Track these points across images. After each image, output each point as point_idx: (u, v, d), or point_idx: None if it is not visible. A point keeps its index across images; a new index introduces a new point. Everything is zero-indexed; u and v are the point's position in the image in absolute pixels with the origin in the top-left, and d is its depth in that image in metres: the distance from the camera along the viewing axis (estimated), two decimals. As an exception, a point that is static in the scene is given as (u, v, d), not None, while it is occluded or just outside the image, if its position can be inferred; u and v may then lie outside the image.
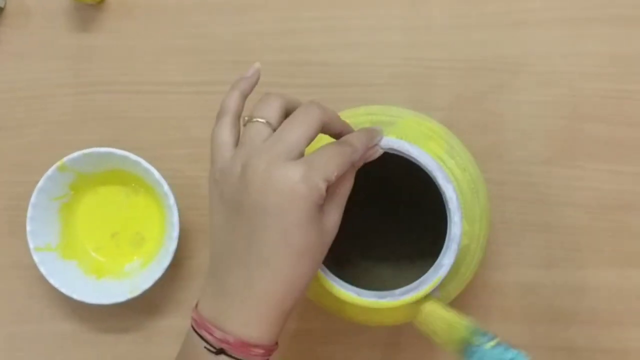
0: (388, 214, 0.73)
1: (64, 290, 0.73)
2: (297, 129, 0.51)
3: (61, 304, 0.78)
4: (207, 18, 0.77)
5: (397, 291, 0.56)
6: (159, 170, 0.72)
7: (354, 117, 0.62)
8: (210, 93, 0.76)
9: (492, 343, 0.54)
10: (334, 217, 0.52)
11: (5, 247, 0.78)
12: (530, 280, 0.73)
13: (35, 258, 0.73)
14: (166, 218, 0.73)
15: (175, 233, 0.72)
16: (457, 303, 0.73)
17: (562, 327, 0.73)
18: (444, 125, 0.64)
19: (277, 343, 0.53)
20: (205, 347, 0.51)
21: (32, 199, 0.73)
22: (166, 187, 0.72)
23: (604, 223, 0.72)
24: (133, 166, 0.73)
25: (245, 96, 0.57)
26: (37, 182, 0.73)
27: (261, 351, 0.51)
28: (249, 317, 0.51)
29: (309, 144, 0.52)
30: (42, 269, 0.73)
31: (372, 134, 0.56)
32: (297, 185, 0.49)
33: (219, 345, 0.51)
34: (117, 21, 0.78)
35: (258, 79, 0.59)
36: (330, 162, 0.51)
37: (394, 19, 0.74)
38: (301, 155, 0.51)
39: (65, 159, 0.73)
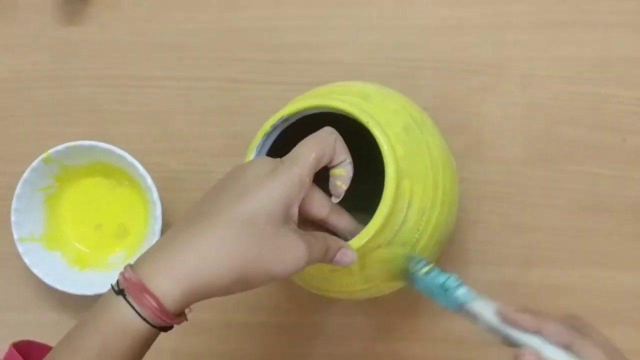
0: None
1: (47, 280, 0.74)
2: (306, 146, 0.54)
3: (44, 294, 0.78)
4: (190, 15, 0.78)
5: None
6: (142, 163, 0.73)
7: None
8: (193, 88, 0.77)
9: (425, 269, 0.58)
10: (296, 241, 0.51)
11: (-11, 237, 0.79)
12: (506, 279, 0.74)
13: (20, 248, 0.74)
14: (149, 211, 0.74)
15: (158, 226, 0.73)
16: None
17: (537, 325, 0.74)
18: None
19: (180, 317, 0.51)
20: (110, 285, 0.51)
21: (17, 190, 0.74)
22: (150, 180, 0.73)
23: (580, 224, 0.73)
24: (117, 159, 0.74)
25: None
26: (22, 173, 0.74)
27: (154, 304, 0.49)
28: (158, 266, 0.50)
29: (318, 159, 0.53)
30: (27, 259, 0.74)
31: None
32: (279, 166, 0.52)
33: (123, 284, 0.50)
34: (103, 15, 0.78)
35: None
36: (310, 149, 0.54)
37: (378, 19, 0.75)
38: (307, 164, 0.53)
39: (50, 151, 0.73)
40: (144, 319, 0.49)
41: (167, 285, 0.49)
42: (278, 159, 0.54)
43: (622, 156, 0.73)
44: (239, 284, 0.50)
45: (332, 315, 0.76)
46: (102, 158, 0.74)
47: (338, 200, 0.56)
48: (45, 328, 0.79)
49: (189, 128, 0.77)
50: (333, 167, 0.55)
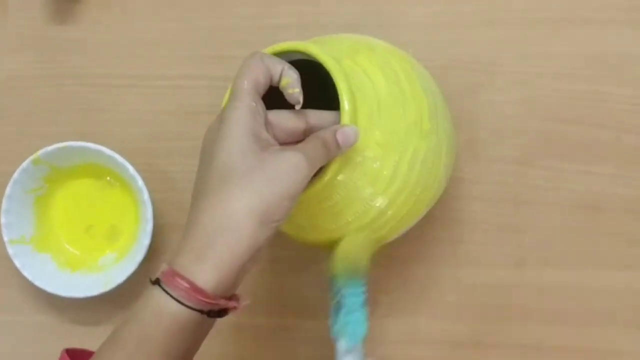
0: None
1: (37, 283, 0.74)
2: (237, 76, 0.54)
3: (35, 296, 0.78)
4: (182, 12, 0.77)
5: None
6: (133, 164, 0.72)
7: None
8: (185, 87, 0.77)
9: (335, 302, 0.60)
10: (282, 158, 0.51)
11: (-21, 239, 0.78)
12: (501, 279, 0.73)
13: (10, 251, 0.74)
14: (140, 212, 0.74)
15: (149, 227, 0.72)
16: (429, 301, 0.74)
17: (532, 326, 0.73)
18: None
19: (231, 300, 0.52)
20: (149, 278, 0.52)
21: (7, 191, 0.73)
22: (140, 182, 0.72)
23: (574, 223, 0.73)
24: (107, 160, 0.73)
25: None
26: (11, 174, 0.73)
27: (185, 284, 0.49)
28: (183, 254, 0.51)
29: (252, 84, 0.53)
30: (17, 262, 0.74)
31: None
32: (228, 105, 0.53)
33: (160, 275, 0.51)
34: (94, 14, 0.78)
35: None
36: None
37: (370, 16, 0.75)
38: (243, 93, 0.53)
39: (40, 152, 0.73)
40: (180, 302, 0.50)
41: (196, 266, 0.50)
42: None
43: (617, 154, 0.72)
44: (264, 227, 0.50)
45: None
46: (92, 159, 0.74)
47: (300, 105, 0.55)
48: (35, 330, 0.79)
49: (179, 128, 0.77)
50: (278, 82, 0.55)
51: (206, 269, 0.50)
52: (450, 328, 0.73)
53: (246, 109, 0.52)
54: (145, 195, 0.72)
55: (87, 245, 0.77)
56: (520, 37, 0.73)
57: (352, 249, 0.64)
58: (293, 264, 0.76)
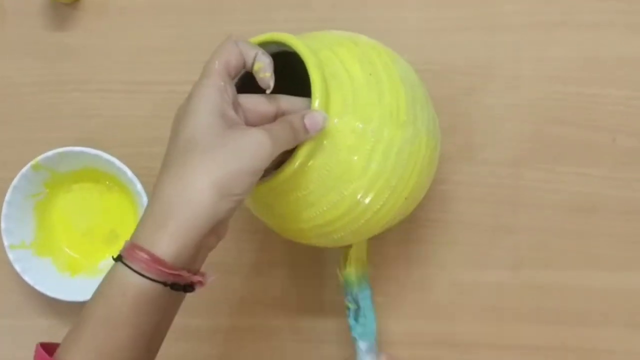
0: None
1: (38, 287, 0.74)
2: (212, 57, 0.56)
3: (36, 300, 0.78)
4: (180, 18, 0.77)
5: None
6: (132, 168, 0.73)
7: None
8: (182, 93, 0.76)
9: (349, 305, 0.66)
10: (247, 137, 0.52)
11: (-20, 244, 0.79)
12: (498, 280, 0.74)
13: (10, 255, 0.74)
14: (139, 216, 0.74)
15: (148, 231, 0.72)
16: (426, 302, 0.74)
17: (529, 327, 0.74)
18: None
19: (196, 275, 0.52)
20: (112, 257, 0.52)
21: (7, 197, 0.74)
22: (139, 186, 0.72)
23: (570, 225, 0.73)
24: (106, 165, 0.73)
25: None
26: (11, 179, 0.74)
27: (145, 256, 0.50)
28: (145, 227, 0.51)
29: (223, 65, 0.54)
30: (17, 266, 0.74)
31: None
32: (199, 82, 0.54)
33: (122, 251, 0.51)
34: (92, 20, 0.78)
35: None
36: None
37: (366, 21, 0.75)
38: (213, 72, 0.54)
39: (39, 158, 0.73)
40: (141, 274, 0.50)
41: (154, 236, 0.50)
42: None
43: (611, 156, 0.72)
44: (224, 199, 0.51)
45: (323, 319, 0.76)
46: (92, 164, 0.74)
47: (270, 89, 0.56)
48: (36, 334, 0.78)
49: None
50: (252, 67, 0.56)
51: (164, 238, 0.50)
52: (447, 329, 0.74)
53: (214, 87, 0.53)
54: (144, 199, 0.72)
55: (86, 249, 0.78)
56: (515, 41, 0.73)
57: (362, 255, 0.66)
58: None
